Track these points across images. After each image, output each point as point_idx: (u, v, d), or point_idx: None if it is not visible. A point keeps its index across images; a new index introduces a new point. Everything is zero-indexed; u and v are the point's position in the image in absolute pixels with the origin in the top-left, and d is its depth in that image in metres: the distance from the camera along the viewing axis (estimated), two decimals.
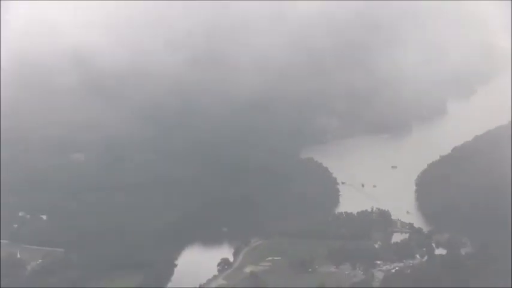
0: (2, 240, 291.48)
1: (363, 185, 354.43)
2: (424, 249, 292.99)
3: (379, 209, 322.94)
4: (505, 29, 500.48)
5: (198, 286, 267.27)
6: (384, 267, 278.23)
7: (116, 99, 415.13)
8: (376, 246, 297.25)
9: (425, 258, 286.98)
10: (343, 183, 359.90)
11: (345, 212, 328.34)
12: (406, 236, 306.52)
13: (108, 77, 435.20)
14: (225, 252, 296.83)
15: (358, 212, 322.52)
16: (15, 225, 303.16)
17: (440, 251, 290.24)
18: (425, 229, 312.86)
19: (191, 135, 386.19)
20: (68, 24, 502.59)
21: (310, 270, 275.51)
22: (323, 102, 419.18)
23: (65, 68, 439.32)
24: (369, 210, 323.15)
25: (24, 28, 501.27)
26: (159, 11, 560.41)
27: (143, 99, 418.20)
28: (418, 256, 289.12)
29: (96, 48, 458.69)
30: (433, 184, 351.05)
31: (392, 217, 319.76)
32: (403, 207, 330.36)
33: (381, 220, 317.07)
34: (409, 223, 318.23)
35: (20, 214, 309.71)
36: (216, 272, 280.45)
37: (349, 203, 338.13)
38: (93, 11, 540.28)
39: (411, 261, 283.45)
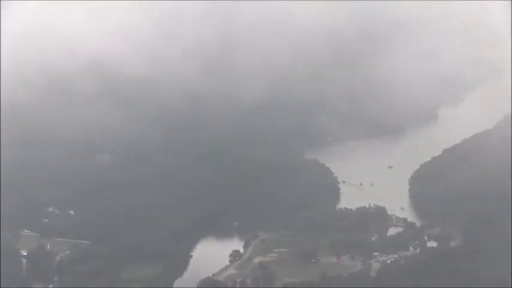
0: (33, 234, 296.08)
1: (361, 184, 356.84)
2: (417, 241, 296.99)
3: (376, 205, 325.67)
4: (491, 39, 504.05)
5: (211, 275, 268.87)
6: (380, 258, 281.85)
7: (136, 105, 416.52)
8: (373, 239, 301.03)
9: (418, 250, 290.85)
10: (343, 182, 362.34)
11: (345, 208, 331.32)
12: (401, 229, 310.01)
13: (127, 83, 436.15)
14: (236, 244, 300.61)
15: (357, 208, 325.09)
16: (46, 220, 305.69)
17: (431, 244, 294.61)
18: (418, 223, 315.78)
19: (205, 139, 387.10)
20: (83, 29, 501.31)
21: (313, 261, 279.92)
22: (326, 108, 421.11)
23: (87, 75, 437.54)
24: (367, 206, 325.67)
25: (48, 31, 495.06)
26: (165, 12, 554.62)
27: (161, 106, 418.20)
28: (411, 248, 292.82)
29: (115, 56, 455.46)
30: (425, 183, 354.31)
31: (388, 213, 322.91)
32: (398, 204, 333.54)
33: (378, 215, 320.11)
34: (403, 218, 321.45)
35: (50, 210, 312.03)
36: (227, 263, 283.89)
37: (349, 200, 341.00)
38: (103, 13, 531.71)
39: (405, 253, 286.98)
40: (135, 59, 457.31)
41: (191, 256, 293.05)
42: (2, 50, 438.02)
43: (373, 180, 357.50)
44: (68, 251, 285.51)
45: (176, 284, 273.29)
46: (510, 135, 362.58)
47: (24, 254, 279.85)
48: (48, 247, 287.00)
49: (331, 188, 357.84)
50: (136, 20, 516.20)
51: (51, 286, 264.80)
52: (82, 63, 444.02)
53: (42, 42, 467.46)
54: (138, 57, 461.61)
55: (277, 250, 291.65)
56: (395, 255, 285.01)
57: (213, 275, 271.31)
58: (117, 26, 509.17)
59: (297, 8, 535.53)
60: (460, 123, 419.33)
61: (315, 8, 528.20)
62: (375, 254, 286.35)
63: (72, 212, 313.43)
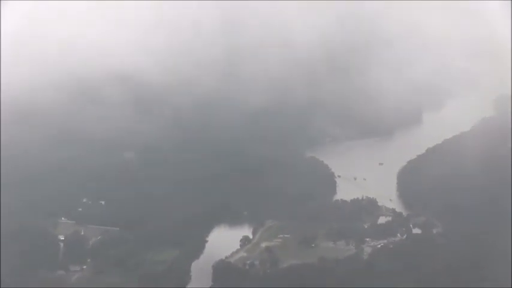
0: (69, 221, 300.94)
1: (355, 178, 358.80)
2: (404, 229, 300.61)
3: (368, 197, 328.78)
4: (476, 53, 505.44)
5: (224, 257, 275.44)
6: (372, 243, 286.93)
7: (155, 109, 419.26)
8: (366, 226, 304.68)
9: (405, 236, 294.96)
10: (339, 176, 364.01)
11: (340, 199, 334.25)
12: (389, 218, 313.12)
13: (147, 90, 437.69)
14: (246, 231, 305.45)
15: (351, 200, 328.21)
16: (80, 209, 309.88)
17: (416, 231, 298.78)
18: (405, 213, 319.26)
19: (216, 139, 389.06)
20: (105, 38, 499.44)
21: (312, 245, 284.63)
22: (324, 112, 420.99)
23: (113, 83, 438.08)
24: (360, 198, 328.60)
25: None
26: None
27: (177, 109, 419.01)
28: (398, 235, 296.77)
29: (137, 66, 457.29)
30: (411, 177, 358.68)
31: (379, 204, 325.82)
32: (387, 196, 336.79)
33: (369, 206, 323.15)
34: (392, 208, 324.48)
35: (84, 200, 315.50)
36: (238, 247, 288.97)
37: (344, 192, 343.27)
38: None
39: (393, 239, 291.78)
40: (154, 68, 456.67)
41: (206, 241, 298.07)
42: (29, 55, 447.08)
43: (366, 175, 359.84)
44: (100, 236, 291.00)
45: (194, 265, 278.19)
46: (484, 136, 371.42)
47: (61, 238, 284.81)
48: (82, 233, 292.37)
49: (328, 182, 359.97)
50: (152, 28, 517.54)
51: (84, 267, 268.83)
52: (108, 73, 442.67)
53: (70, 49, 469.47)
54: (157, 66, 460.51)
55: (281, 236, 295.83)
56: (385, 241, 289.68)
57: (226, 257, 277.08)
58: (136, 35, 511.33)
59: (295, 23, 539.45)
60: (441, 126, 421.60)
61: (310, 24, 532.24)
62: (367, 239, 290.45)
63: (103, 203, 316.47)
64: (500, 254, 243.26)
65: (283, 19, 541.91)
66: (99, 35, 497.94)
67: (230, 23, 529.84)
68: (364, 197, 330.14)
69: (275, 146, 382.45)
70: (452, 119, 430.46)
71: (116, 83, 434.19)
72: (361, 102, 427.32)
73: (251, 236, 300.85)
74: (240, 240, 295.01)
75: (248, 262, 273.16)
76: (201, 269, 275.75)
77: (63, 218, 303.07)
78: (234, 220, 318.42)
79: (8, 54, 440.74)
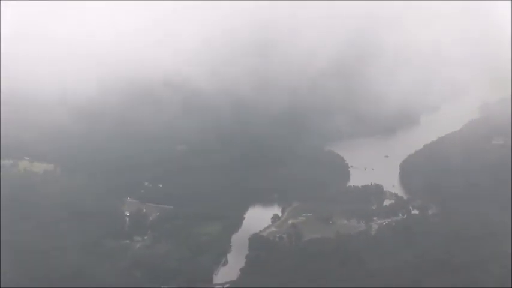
0: (134, 200, 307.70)
1: (365, 168, 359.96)
2: (404, 210, 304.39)
3: (375, 184, 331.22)
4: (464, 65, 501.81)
5: (258, 231, 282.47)
6: (378, 222, 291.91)
7: (201, 110, 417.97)
8: (373, 207, 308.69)
9: (405, 216, 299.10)
10: (351, 166, 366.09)
11: (353, 185, 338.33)
12: (393, 201, 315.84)
13: (193, 93, 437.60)
14: (275, 210, 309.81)
15: (361, 186, 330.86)
16: (142, 191, 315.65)
17: (414, 212, 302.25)
18: (405, 197, 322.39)
19: (251, 135, 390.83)
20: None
21: (330, 222, 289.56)
22: (339, 114, 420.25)
23: (166, 86, 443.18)
24: (369, 184, 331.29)
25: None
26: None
27: (218, 109, 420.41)
28: (400, 214, 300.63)
29: (185, 73, 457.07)
30: (410, 168, 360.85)
31: (384, 189, 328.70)
32: (391, 183, 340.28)
33: (376, 191, 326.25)
34: (395, 193, 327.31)
35: (146, 184, 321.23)
36: (270, 223, 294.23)
37: (356, 179, 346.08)
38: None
39: (396, 218, 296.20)
40: (199, 76, 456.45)
41: (244, 218, 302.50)
42: (96, 62, 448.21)
43: (374, 166, 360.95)
44: (158, 213, 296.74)
45: (233, 237, 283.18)
46: (471, 135, 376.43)
47: (127, 214, 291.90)
48: (144, 210, 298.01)
49: (343, 171, 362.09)
50: (196, 43, 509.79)
51: (145, 237, 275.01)
52: (161, 79, 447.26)
53: (129, 58, 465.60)
54: (201, 73, 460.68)
55: (304, 215, 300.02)
56: (389, 220, 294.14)
57: (259, 231, 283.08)
58: (184, 47, 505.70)
59: (315, 40, 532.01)
60: (436, 126, 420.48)
61: (326, 39, 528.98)
62: (374, 218, 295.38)
63: (161, 186, 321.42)
64: (484, 229, 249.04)
65: (305, 36, 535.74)
66: (155, 45, 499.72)
67: (261, 41, 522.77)
68: (372, 184, 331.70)
69: (299, 142, 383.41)
70: (445, 121, 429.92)
71: (169, 87, 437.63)
72: (370, 106, 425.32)
73: (280, 214, 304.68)
74: (271, 218, 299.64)
75: (277, 236, 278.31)
76: (239, 241, 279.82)
77: (129, 198, 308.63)
78: (266, 201, 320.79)
79: (77, 61, 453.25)
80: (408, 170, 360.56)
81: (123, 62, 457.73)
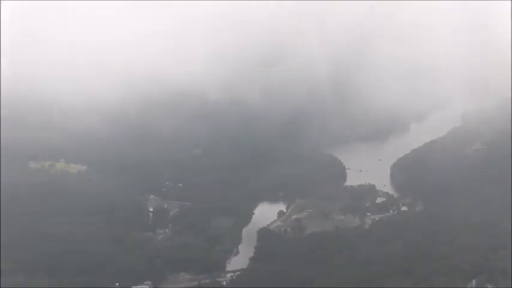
0: (156, 198, 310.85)
1: (360, 170, 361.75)
2: (394, 207, 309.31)
3: (369, 183, 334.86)
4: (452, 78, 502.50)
5: (265, 225, 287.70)
6: (371, 217, 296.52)
7: (213, 117, 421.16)
8: (367, 204, 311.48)
9: (395, 212, 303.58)
10: (348, 168, 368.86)
11: (349, 185, 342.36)
12: (384, 199, 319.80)
13: (207, 103, 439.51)
14: (281, 206, 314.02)
15: (357, 185, 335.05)
16: (164, 189, 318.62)
17: (404, 208, 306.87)
18: (395, 195, 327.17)
19: (258, 139, 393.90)
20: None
21: (329, 218, 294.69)
22: (337, 121, 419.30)
23: (183, 96, 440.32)
24: (363, 184, 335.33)
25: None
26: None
27: (228, 116, 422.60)
28: (391, 211, 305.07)
29: (199, 85, 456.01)
30: (400, 169, 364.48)
31: (377, 188, 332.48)
32: (383, 183, 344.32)
33: (370, 190, 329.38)
34: (386, 192, 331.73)
35: (167, 183, 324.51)
36: (276, 218, 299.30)
37: (352, 180, 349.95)
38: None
39: (387, 214, 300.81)
40: (210, 86, 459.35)
41: (253, 213, 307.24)
42: (116, 74, 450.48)
43: (368, 168, 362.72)
44: (177, 209, 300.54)
45: (244, 230, 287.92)
46: (454, 140, 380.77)
47: (150, 210, 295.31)
48: (165, 206, 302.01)
49: (340, 172, 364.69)
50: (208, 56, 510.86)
51: (166, 230, 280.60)
52: (178, 90, 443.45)
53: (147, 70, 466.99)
54: (213, 82, 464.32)
55: (306, 211, 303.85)
56: (381, 215, 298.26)
57: (267, 225, 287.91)
58: (197, 60, 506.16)
59: (314, 54, 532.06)
60: (423, 132, 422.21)
61: (326, 53, 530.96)
62: (368, 214, 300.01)
63: (180, 185, 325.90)
64: (464, 224, 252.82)
65: (305, 49, 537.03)
66: (172, 57, 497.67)
67: (266, 54, 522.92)
68: (366, 184, 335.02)
69: (301, 145, 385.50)
70: (432, 128, 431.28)
71: (184, 96, 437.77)
72: (364, 115, 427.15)
73: (285, 210, 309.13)
74: (277, 213, 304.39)
75: (283, 229, 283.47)
76: (249, 233, 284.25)
77: (152, 196, 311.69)
78: (272, 198, 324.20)
79: (103, 71, 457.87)
80: (398, 172, 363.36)
81: (144, 72, 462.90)
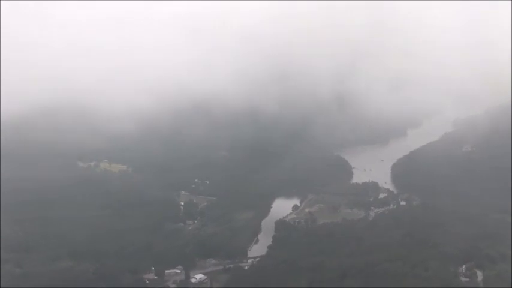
0: (187, 193, 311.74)
1: (364, 169, 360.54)
2: (395, 201, 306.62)
3: (372, 181, 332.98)
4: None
5: (282, 217, 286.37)
6: (375, 210, 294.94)
7: (236, 124, 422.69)
8: (371, 199, 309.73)
9: (396, 206, 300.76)
10: (354, 168, 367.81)
11: (355, 182, 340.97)
12: (386, 195, 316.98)
13: (229, 112, 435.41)
14: (295, 201, 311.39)
15: (361, 183, 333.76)
16: (193, 186, 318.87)
17: (403, 203, 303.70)
18: (395, 191, 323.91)
19: (276, 143, 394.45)
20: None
21: (338, 211, 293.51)
22: (345, 128, 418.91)
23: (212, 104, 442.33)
24: (367, 181, 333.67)
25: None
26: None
27: (249, 125, 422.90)
28: (391, 205, 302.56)
29: (223, 96, 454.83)
30: (399, 169, 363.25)
31: (379, 185, 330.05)
32: (384, 180, 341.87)
33: (373, 187, 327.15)
34: (387, 188, 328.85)
35: (196, 180, 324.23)
36: (291, 211, 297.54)
37: (357, 178, 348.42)
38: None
39: (388, 207, 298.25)
40: (235, 96, 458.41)
41: (271, 207, 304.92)
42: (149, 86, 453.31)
43: (371, 167, 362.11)
44: (205, 203, 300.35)
45: (263, 222, 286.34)
46: (446, 144, 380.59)
47: (182, 204, 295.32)
48: (195, 200, 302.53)
49: (347, 171, 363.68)
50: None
51: (195, 221, 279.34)
52: (205, 100, 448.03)
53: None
54: (237, 94, 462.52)
55: (318, 205, 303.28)
56: (383, 209, 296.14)
57: (283, 217, 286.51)
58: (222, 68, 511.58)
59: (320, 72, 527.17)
60: (419, 137, 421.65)
61: (330, 71, 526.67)
62: (372, 208, 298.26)
63: (207, 182, 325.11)
64: (455, 217, 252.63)
65: (315, 66, 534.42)
66: (202, 72, 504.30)
67: (281, 71, 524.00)
68: (369, 181, 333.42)
69: (313, 149, 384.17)
70: (426, 133, 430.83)
71: (211, 106, 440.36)
72: (368, 121, 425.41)
73: (299, 205, 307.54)
74: (292, 207, 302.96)
75: (297, 221, 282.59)
76: (267, 224, 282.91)
77: (183, 191, 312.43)
78: (288, 194, 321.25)
79: (140, 81, 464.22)
80: (398, 171, 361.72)
81: (174, 86, 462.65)
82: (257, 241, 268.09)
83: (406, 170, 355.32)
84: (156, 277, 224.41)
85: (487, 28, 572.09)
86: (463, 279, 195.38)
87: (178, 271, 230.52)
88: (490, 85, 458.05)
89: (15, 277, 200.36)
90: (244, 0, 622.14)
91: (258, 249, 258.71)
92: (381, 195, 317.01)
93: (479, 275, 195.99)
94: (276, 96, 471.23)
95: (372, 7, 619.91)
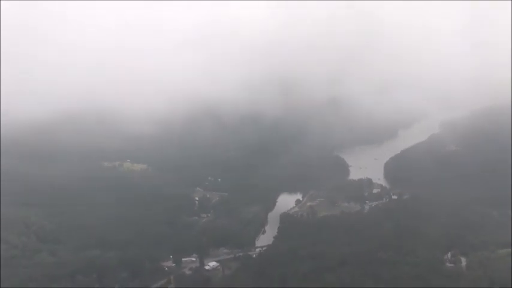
0: (200, 189, 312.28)
1: (360, 167, 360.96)
2: (387, 195, 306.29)
3: (367, 178, 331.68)
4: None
5: (286, 211, 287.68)
6: (369, 204, 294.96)
7: (244, 127, 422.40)
8: (366, 194, 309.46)
9: (388, 200, 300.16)
10: (351, 166, 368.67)
11: (352, 179, 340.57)
12: (379, 190, 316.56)
13: (236, 115, 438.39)
14: (298, 196, 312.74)
15: (357, 179, 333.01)
16: (207, 183, 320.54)
17: (394, 197, 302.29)
18: (388, 187, 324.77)
19: (281, 144, 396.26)
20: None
21: (336, 204, 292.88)
22: (343, 130, 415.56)
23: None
24: (363, 178, 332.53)
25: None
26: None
27: (255, 128, 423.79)
28: (384, 199, 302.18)
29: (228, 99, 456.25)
30: (391, 166, 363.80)
31: (373, 181, 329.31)
32: (378, 177, 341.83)
33: (368, 183, 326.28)
34: (380, 184, 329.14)
35: (209, 178, 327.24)
36: (294, 205, 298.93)
37: (354, 175, 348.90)
38: None
39: (381, 201, 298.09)
40: (244, 101, 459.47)
41: (276, 201, 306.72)
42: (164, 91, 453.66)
43: (366, 165, 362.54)
44: (217, 198, 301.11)
45: (269, 215, 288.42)
46: (432, 144, 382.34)
47: (196, 199, 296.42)
48: (208, 196, 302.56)
49: (345, 169, 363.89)
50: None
51: (209, 215, 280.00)
52: (215, 106, 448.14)
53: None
54: (244, 100, 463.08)
55: (318, 199, 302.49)
56: (377, 202, 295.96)
57: (287, 210, 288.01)
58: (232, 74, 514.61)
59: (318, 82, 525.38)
60: (409, 138, 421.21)
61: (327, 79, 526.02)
62: (367, 201, 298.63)
63: (219, 180, 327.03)
64: (441, 209, 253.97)
65: (315, 73, 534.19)
66: (212, 80, 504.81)
67: (285, 78, 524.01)
68: (365, 178, 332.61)
69: (315, 149, 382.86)
70: (415, 134, 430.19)
71: (221, 110, 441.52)
72: (363, 125, 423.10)
73: (301, 199, 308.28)
74: (295, 201, 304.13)
75: (299, 213, 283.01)
76: (273, 217, 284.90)
77: (197, 188, 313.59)
78: (291, 190, 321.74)
79: (157, 87, 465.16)
80: (390, 168, 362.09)
81: (187, 92, 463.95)
82: (264, 232, 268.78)
83: (397, 168, 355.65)
84: (173, 264, 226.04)
85: (472, 38, 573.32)
86: (449, 265, 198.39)
87: (194, 259, 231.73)
88: (472, 90, 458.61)
89: (49, 265, 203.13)
90: (248, 11, 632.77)
91: (265, 239, 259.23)
92: (375, 190, 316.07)
93: (463, 260, 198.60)
94: (277, 101, 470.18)
95: (365, 18, 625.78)
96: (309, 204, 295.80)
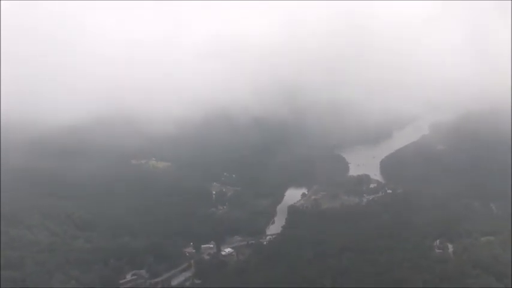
0: (217, 184, 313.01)
1: (358, 165, 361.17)
2: (382, 190, 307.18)
3: (365, 174, 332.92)
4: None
5: (293, 203, 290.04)
6: (367, 197, 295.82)
7: (254, 128, 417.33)
8: (364, 188, 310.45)
9: (383, 194, 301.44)
10: (350, 163, 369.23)
11: (351, 175, 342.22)
12: (375, 185, 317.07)
13: (246, 116, 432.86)
14: (304, 190, 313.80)
15: (356, 175, 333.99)
16: (223, 178, 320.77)
17: (389, 191, 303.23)
18: (383, 182, 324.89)
19: (289, 143, 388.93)
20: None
21: (337, 198, 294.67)
22: (342, 132, 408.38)
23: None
24: (361, 174, 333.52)
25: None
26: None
27: (262, 129, 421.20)
28: (380, 193, 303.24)
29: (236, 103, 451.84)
30: (387, 164, 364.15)
31: (370, 177, 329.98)
32: (374, 173, 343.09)
33: (366, 178, 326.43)
34: (377, 179, 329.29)
35: (225, 174, 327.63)
36: (300, 198, 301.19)
37: (353, 171, 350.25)
38: None
39: (377, 195, 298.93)
40: (254, 105, 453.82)
41: (284, 195, 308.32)
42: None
43: (364, 163, 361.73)
44: (232, 192, 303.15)
45: (278, 207, 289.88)
46: (423, 144, 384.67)
47: (213, 193, 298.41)
48: (224, 190, 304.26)
49: (345, 166, 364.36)
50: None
51: (224, 206, 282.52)
52: (224, 109, 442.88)
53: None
54: (255, 103, 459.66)
55: (321, 193, 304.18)
56: (373, 196, 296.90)
57: (294, 203, 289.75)
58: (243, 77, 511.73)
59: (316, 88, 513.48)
60: (402, 138, 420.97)
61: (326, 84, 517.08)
62: (364, 195, 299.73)
63: (234, 175, 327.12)
64: (432, 202, 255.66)
65: (318, 81, 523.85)
66: (222, 85, 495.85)
67: (290, 86, 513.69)
68: (363, 174, 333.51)
69: (318, 149, 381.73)
70: (408, 135, 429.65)
71: (233, 114, 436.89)
72: (361, 127, 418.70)
73: (306, 193, 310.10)
74: (301, 195, 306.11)
75: (305, 206, 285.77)
76: (281, 209, 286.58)
77: (214, 183, 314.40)
78: (298, 185, 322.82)
79: (177, 91, 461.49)
80: (385, 165, 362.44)
81: (204, 95, 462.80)
82: (273, 222, 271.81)
83: (392, 165, 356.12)
84: (194, 251, 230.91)
85: (460, 47, 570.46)
86: (437, 250, 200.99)
87: (212, 246, 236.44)
88: (456, 96, 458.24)
89: (86, 250, 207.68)
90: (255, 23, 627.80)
91: (274, 228, 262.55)
92: (372, 185, 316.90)
93: (450, 247, 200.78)
94: (283, 106, 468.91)
95: (362, 31, 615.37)
96: (313, 197, 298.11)
